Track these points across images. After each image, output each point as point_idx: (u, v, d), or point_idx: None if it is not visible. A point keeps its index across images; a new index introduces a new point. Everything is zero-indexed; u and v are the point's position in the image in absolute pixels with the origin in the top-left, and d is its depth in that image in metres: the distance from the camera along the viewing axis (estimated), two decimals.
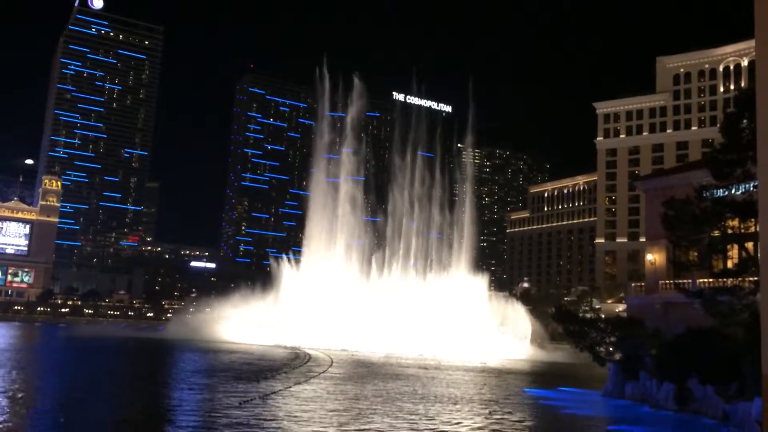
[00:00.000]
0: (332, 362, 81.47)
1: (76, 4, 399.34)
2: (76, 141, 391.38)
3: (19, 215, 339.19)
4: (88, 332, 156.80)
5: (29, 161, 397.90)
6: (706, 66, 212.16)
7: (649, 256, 60.57)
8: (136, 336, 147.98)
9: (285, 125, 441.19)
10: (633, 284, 65.28)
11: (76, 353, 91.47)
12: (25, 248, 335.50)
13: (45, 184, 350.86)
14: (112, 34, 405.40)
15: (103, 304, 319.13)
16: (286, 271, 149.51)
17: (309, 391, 50.09)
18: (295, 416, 37.04)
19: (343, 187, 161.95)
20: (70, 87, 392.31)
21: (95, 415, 36.80)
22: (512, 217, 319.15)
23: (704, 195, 46.47)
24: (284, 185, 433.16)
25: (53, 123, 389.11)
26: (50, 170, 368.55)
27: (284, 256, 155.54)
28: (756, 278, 40.48)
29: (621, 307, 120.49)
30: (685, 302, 47.99)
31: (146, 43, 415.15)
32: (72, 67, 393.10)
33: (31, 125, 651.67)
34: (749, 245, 46.43)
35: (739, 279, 43.94)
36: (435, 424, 37.06)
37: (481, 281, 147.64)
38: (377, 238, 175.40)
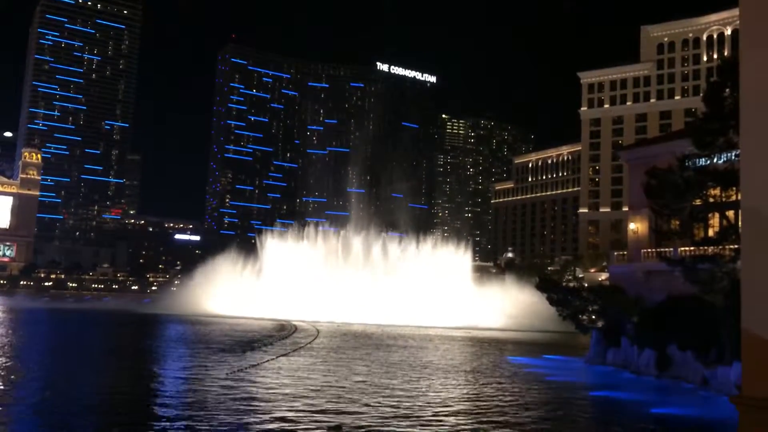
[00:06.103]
0: (318, 333, 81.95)
1: None
2: (56, 113, 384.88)
3: (0, 189, 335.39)
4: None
5: (8, 134, 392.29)
6: (690, 35, 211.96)
7: (632, 225, 61.04)
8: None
9: (268, 96, 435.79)
10: (616, 253, 65.79)
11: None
12: (6, 222, 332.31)
13: (25, 157, 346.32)
14: (90, 3, 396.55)
15: (86, 277, 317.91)
16: (271, 243, 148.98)
17: (294, 362, 50.48)
18: (278, 387, 37.29)
19: (328, 158, 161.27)
20: (47, 58, 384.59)
21: (82, 390, 36.79)
22: (497, 188, 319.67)
23: (687, 164, 46.78)
24: (268, 157, 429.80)
25: (31, 95, 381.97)
26: (30, 143, 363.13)
27: (269, 229, 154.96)
28: (736, 246, 40.99)
29: (604, 276, 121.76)
30: (666, 270, 48.53)
31: (125, 12, 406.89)
32: (49, 37, 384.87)
33: (9, 97, 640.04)
34: (730, 214, 46.90)
35: (720, 247, 44.42)
36: (424, 394, 37.49)
37: (466, 251, 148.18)
38: (362, 209, 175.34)
